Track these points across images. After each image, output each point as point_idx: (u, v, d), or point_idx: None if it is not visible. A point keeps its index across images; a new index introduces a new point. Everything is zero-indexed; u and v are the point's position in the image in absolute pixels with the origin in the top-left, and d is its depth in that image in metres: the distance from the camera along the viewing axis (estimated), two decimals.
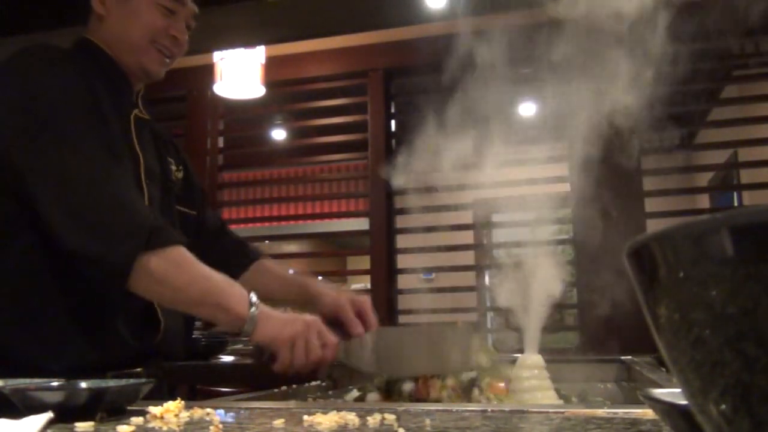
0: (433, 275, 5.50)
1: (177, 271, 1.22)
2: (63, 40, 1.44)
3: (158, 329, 1.36)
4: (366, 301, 1.51)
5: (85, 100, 1.28)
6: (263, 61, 3.32)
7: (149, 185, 1.39)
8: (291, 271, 1.68)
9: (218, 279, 1.26)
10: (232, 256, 1.62)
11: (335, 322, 1.43)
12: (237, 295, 1.25)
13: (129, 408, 0.91)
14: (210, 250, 1.58)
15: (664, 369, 1.50)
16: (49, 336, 1.27)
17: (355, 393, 1.46)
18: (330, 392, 1.56)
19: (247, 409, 0.97)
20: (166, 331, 1.37)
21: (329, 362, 1.31)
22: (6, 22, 2.80)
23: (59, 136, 1.23)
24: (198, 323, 2.84)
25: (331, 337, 1.29)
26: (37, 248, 1.26)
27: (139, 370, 1.32)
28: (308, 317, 1.29)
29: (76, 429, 0.77)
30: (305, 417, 0.80)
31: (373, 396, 1.40)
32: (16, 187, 1.23)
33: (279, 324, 1.25)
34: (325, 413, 0.80)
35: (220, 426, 0.75)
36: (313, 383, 1.61)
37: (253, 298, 1.25)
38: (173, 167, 1.55)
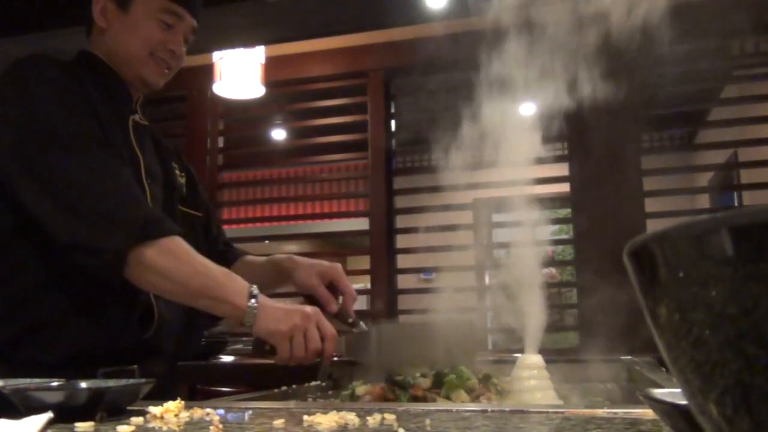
0: (433, 275, 5.50)
1: (175, 263, 1.24)
2: (64, 40, 1.45)
3: (152, 321, 1.36)
4: (337, 269, 1.51)
5: (77, 105, 1.31)
6: (263, 61, 3.32)
7: (151, 185, 1.42)
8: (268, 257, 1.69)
9: (217, 271, 1.28)
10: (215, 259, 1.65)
11: (312, 300, 1.45)
12: (237, 288, 1.26)
13: (129, 408, 0.91)
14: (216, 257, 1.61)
15: (664, 369, 1.50)
16: (41, 325, 1.28)
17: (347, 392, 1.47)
18: (330, 392, 1.56)
19: (247, 409, 0.97)
20: (161, 325, 1.38)
21: (331, 355, 1.31)
22: (5, 22, 2.80)
23: (53, 140, 1.26)
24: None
25: (331, 329, 1.30)
26: (34, 246, 1.28)
27: (134, 367, 1.32)
28: (308, 308, 1.30)
29: (76, 429, 0.77)
30: (305, 417, 0.80)
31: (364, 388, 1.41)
32: (12, 195, 1.26)
33: (278, 317, 1.26)
34: (325, 413, 0.80)
35: (220, 426, 0.75)
36: (313, 383, 1.61)
37: (254, 290, 1.26)
38: (177, 172, 1.60)
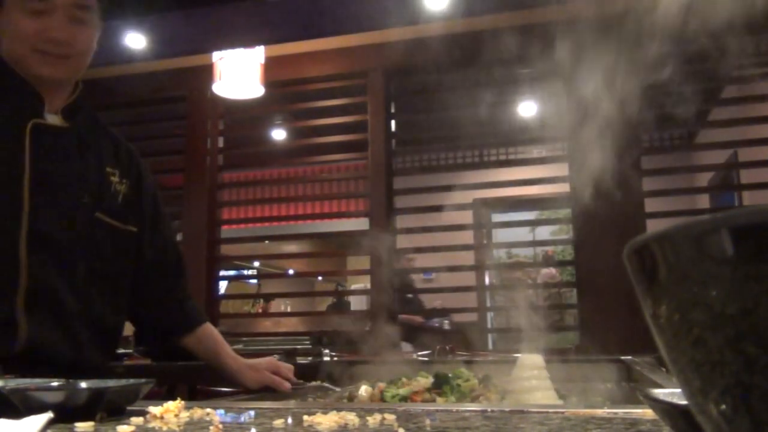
0: (433, 275, 5.50)
1: None
2: None
3: (15, 339, 1.25)
4: (272, 361, 1.60)
5: None
6: (263, 61, 3.32)
7: (36, 194, 1.30)
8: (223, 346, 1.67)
9: None
10: (181, 314, 1.61)
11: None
12: None
13: (129, 408, 0.91)
14: (155, 285, 1.56)
15: (664, 369, 1.50)
16: None
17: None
18: (330, 392, 1.57)
19: (247, 409, 0.97)
20: (31, 342, 1.26)
21: None
22: None
23: None
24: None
25: None
26: None
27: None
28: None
29: (76, 429, 0.77)
30: (305, 417, 0.80)
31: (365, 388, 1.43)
32: None
33: None
34: (325, 413, 0.80)
35: (220, 426, 0.75)
36: (313, 383, 1.62)
37: None
38: (114, 179, 1.45)
